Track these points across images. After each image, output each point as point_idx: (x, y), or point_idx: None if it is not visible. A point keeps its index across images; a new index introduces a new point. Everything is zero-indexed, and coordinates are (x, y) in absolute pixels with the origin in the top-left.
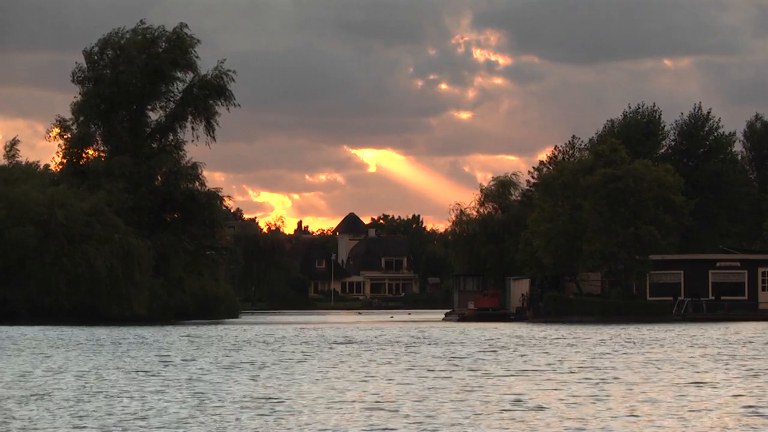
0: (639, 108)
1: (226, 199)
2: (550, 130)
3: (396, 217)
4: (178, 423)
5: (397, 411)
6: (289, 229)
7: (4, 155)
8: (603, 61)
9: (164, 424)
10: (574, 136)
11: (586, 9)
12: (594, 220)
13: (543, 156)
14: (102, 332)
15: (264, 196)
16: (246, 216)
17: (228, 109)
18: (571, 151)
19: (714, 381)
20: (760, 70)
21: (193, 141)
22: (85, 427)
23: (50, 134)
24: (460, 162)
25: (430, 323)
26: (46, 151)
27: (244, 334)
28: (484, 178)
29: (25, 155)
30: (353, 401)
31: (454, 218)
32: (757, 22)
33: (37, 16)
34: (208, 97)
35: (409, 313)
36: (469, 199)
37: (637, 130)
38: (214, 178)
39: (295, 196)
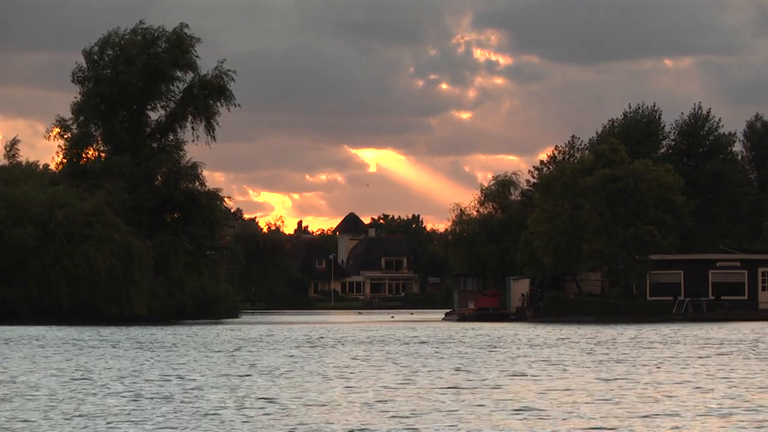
0: (639, 108)
1: (226, 199)
2: (551, 130)
3: (396, 217)
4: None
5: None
6: (289, 229)
7: (4, 155)
8: (603, 61)
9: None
10: (574, 136)
11: (586, 9)
12: (594, 220)
13: (543, 156)
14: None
15: (264, 196)
16: (246, 216)
17: (228, 109)
18: (571, 151)
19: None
20: (761, 70)
21: (193, 141)
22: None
23: (50, 134)
24: (460, 162)
25: (433, 323)
26: (46, 151)
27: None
28: (485, 178)
29: (26, 155)
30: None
31: (454, 218)
32: (758, 22)
33: (37, 16)
34: (208, 97)
35: (412, 313)
36: (469, 199)
37: (637, 130)
38: (214, 178)
39: (296, 196)
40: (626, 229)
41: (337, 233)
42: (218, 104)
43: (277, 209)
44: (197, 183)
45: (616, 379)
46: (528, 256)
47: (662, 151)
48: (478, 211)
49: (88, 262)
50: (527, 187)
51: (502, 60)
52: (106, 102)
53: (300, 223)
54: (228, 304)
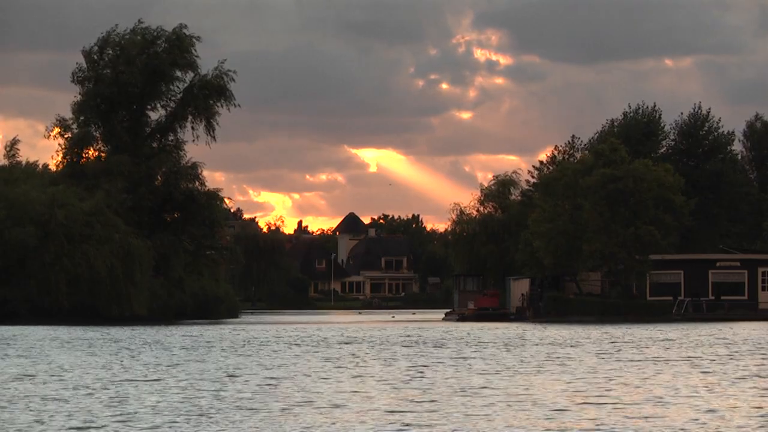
0: (639, 108)
1: (226, 200)
2: (551, 130)
3: (396, 217)
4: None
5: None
6: (289, 228)
7: (4, 155)
8: (603, 61)
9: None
10: (574, 136)
11: (586, 9)
12: (594, 220)
13: (543, 156)
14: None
15: (264, 196)
16: (246, 216)
17: (228, 109)
18: (571, 151)
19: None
20: (761, 70)
21: (193, 141)
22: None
23: (50, 134)
24: (460, 162)
25: (434, 323)
26: (47, 151)
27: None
28: (485, 178)
29: (26, 155)
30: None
31: (454, 218)
32: (759, 22)
33: (37, 16)
34: (208, 97)
35: (414, 313)
36: (469, 199)
37: (637, 130)
38: (214, 178)
39: (296, 196)
40: (626, 229)
41: (337, 233)
42: (218, 104)
43: (277, 209)
44: (197, 183)
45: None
46: (528, 256)
47: (662, 151)
48: (478, 211)
49: (88, 262)
50: (527, 187)
51: (503, 60)
52: (106, 102)
53: (300, 223)
54: (228, 304)
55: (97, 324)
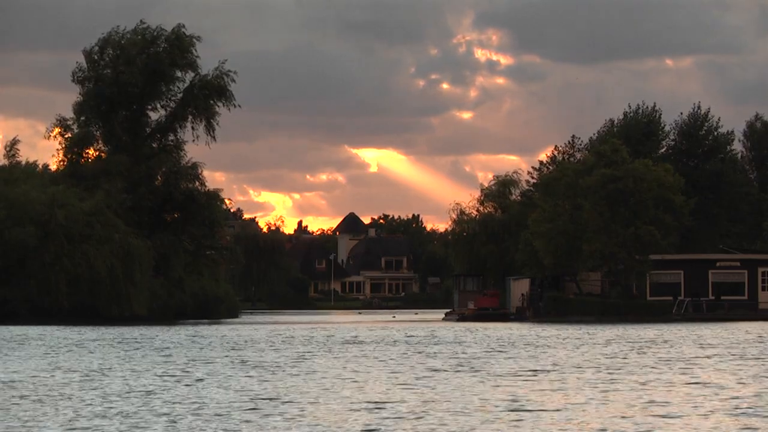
0: (639, 108)
1: (226, 200)
2: (551, 130)
3: (396, 217)
4: None
5: None
6: (289, 228)
7: (4, 155)
8: (604, 61)
9: None
10: (574, 136)
11: (587, 9)
12: (594, 220)
13: (543, 156)
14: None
15: (264, 196)
16: (246, 216)
17: (228, 109)
18: (571, 151)
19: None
20: (762, 70)
21: (193, 141)
22: None
23: (51, 134)
24: (461, 162)
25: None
26: (47, 151)
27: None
28: (485, 178)
29: (26, 155)
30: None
31: (454, 218)
32: (759, 22)
33: (37, 16)
34: (208, 97)
35: (416, 313)
36: (469, 199)
37: (637, 130)
38: (214, 178)
39: (296, 196)
40: (626, 229)
41: (337, 233)
42: (218, 104)
43: (277, 209)
44: (197, 183)
45: None
46: (528, 256)
47: (662, 151)
48: (478, 210)
49: (88, 262)
50: (527, 187)
51: (503, 60)
52: (106, 102)
53: (300, 223)
54: (228, 304)
55: (98, 324)
